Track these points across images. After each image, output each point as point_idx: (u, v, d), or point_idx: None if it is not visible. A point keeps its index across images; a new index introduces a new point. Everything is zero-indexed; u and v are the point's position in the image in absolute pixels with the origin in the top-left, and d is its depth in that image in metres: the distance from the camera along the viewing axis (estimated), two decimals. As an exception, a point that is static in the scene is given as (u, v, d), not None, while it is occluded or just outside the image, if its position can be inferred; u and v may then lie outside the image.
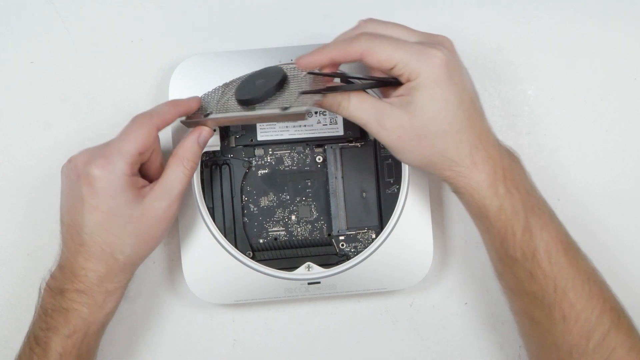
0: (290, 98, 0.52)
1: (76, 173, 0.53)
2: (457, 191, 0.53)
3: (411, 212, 0.59)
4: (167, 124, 0.55)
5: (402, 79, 0.51)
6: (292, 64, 0.57)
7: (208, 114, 0.55)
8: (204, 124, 0.55)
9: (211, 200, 0.60)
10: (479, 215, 0.53)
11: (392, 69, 0.50)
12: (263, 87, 0.53)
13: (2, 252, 0.63)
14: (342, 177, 0.61)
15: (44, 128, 0.63)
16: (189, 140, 0.55)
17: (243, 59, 0.59)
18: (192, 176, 0.55)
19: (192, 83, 0.59)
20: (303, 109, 0.50)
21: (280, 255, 0.60)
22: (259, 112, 0.52)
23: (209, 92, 0.58)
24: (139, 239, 0.53)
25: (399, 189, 0.59)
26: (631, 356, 0.51)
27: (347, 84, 0.53)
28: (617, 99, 0.64)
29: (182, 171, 0.54)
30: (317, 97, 0.51)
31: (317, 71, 0.53)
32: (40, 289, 0.55)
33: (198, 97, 0.57)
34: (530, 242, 0.52)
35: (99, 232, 0.52)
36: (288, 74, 0.54)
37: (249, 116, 0.53)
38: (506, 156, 0.53)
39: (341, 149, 0.61)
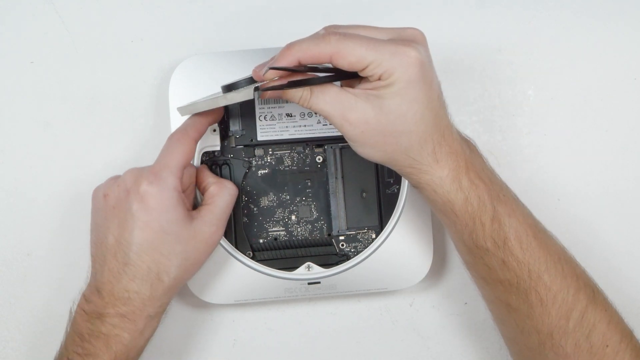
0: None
1: (125, 190, 0.52)
2: (418, 186, 0.52)
3: (411, 212, 0.59)
4: (202, 134, 0.55)
5: (372, 78, 0.48)
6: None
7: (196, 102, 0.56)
8: (195, 109, 0.55)
9: (211, 200, 0.60)
10: (444, 209, 0.52)
11: (364, 69, 0.48)
12: (244, 77, 0.53)
13: (2, 252, 0.63)
14: (342, 177, 0.61)
15: (44, 128, 0.63)
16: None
17: (243, 59, 0.59)
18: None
19: (192, 83, 0.59)
20: (249, 95, 0.49)
21: (280, 255, 0.60)
22: (227, 94, 0.52)
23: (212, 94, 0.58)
24: (185, 261, 0.53)
25: (399, 189, 0.59)
26: (610, 329, 0.52)
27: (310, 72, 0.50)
28: (617, 99, 0.64)
29: (231, 199, 0.55)
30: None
31: (277, 66, 0.50)
32: (70, 312, 0.54)
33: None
34: (500, 231, 0.51)
35: (148, 250, 0.52)
36: None
37: (221, 98, 0.53)
38: (467, 147, 0.52)
39: (341, 149, 0.61)
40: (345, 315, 0.64)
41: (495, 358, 0.63)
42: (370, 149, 0.50)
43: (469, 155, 0.52)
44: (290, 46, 0.48)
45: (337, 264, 0.60)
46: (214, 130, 0.59)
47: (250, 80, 0.51)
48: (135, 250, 0.52)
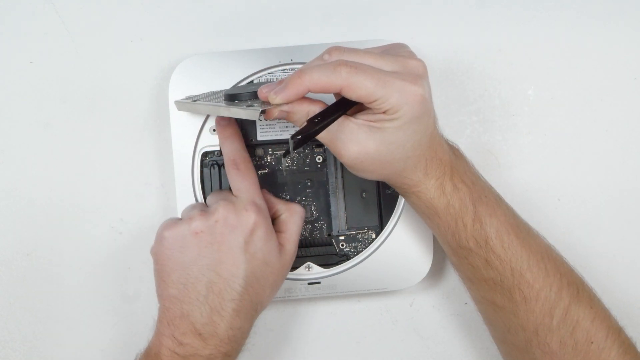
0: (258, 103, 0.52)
1: (228, 225, 0.52)
2: (404, 195, 0.55)
3: (411, 212, 0.59)
4: (250, 158, 0.57)
5: (377, 111, 0.49)
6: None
7: (196, 100, 0.56)
8: (194, 110, 0.57)
9: (211, 200, 0.60)
10: (428, 213, 0.54)
11: (371, 103, 0.48)
12: (248, 89, 0.54)
13: (2, 252, 0.62)
14: (342, 177, 0.61)
15: (44, 128, 0.63)
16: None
17: (243, 59, 0.60)
18: None
19: (192, 83, 0.59)
20: (257, 109, 0.50)
21: (280, 255, 0.60)
22: (226, 107, 0.52)
23: (216, 91, 0.58)
24: (273, 291, 0.55)
25: (399, 189, 0.59)
26: (595, 326, 0.53)
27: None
28: (617, 99, 0.64)
29: (302, 223, 0.57)
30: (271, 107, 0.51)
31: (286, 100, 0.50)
32: (152, 354, 0.53)
33: (234, 121, 0.58)
34: (482, 231, 0.53)
35: (252, 282, 0.52)
36: None
37: (223, 107, 0.53)
38: (452, 154, 0.54)
39: (341, 148, 0.61)
40: (345, 315, 0.64)
41: (495, 358, 0.63)
42: (365, 173, 0.53)
43: (454, 161, 0.53)
44: (301, 75, 0.49)
45: (337, 264, 0.60)
46: (214, 130, 0.59)
47: (254, 95, 0.52)
48: (242, 284, 0.52)
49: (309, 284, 0.60)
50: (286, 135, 0.60)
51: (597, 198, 0.64)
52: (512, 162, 0.64)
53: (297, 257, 0.60)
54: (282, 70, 0.59)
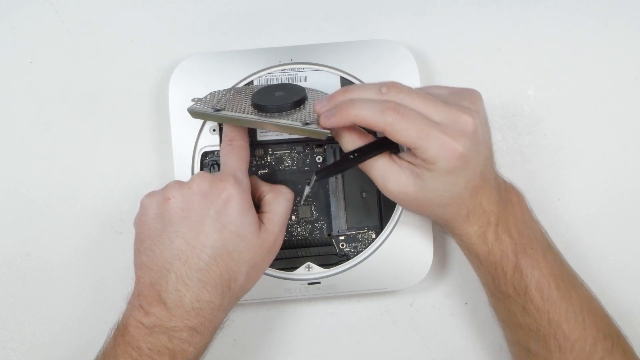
0: (312, 116, 0.53)
1: (200, 193, 0.52)
2: (445, 232, 0.56)
3: (411, 212, 0.59)
4: (247, 140, 0.57)
5: (418, 157, 0.51)
6: (317, 91, 0.58)
7: (219, 110, 0.55)
8: (212, 119, 0.56)
9: (211, 200, 0.60)
10: (468, 255, 0.55)
11: (411, 149, 0.51)
12: (282, 99, 0.54)
13: (2, 252, 0.62)
14: (342, 177, 0.61)
15: (44, 128, 0.63)
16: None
17: (243, 59, 0.60)
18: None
19: (192, 83, 0.59)
20: (326, 131, 0.52)
21: (280, 255, 0.60)
22: (276, 120, 0.53)
23: (218, 90, 0.58)
24: (252, 269, 0.53)
25: (399, 189, 0.59)
26: None
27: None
28: (617, 99, 0.64)
29: (288, 204, 0.55)
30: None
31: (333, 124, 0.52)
32: (120, 326, 0.51)
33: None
34: (521, 280, 0.53)
35: (222, 254, 0.51)
36: (309, 95, 0.56)
37: (262, 122, 0.53)
38: (502, 202, 0.54)
39: (341, 148, 0.61)
40: (345, 315, 0.64)
41: (495, 358, 0.63)
42: (408, 209, 0.55)
43: (502, 211, 0.54)
44: (351, 107, 0.51)
45: (337, 264, 0.60)
46: (214, 130, 0.59)
47: (280, 108, 0.53)
48: (210, 254, 0.51)
49: (309, 284, 0.60)
50: (286, 135, 0.60)
51: (597, 198, 0.64)
52: (512, 162, 0.64)
53: (297, 257, 0.60)
54: (282, 70, 0.59)
